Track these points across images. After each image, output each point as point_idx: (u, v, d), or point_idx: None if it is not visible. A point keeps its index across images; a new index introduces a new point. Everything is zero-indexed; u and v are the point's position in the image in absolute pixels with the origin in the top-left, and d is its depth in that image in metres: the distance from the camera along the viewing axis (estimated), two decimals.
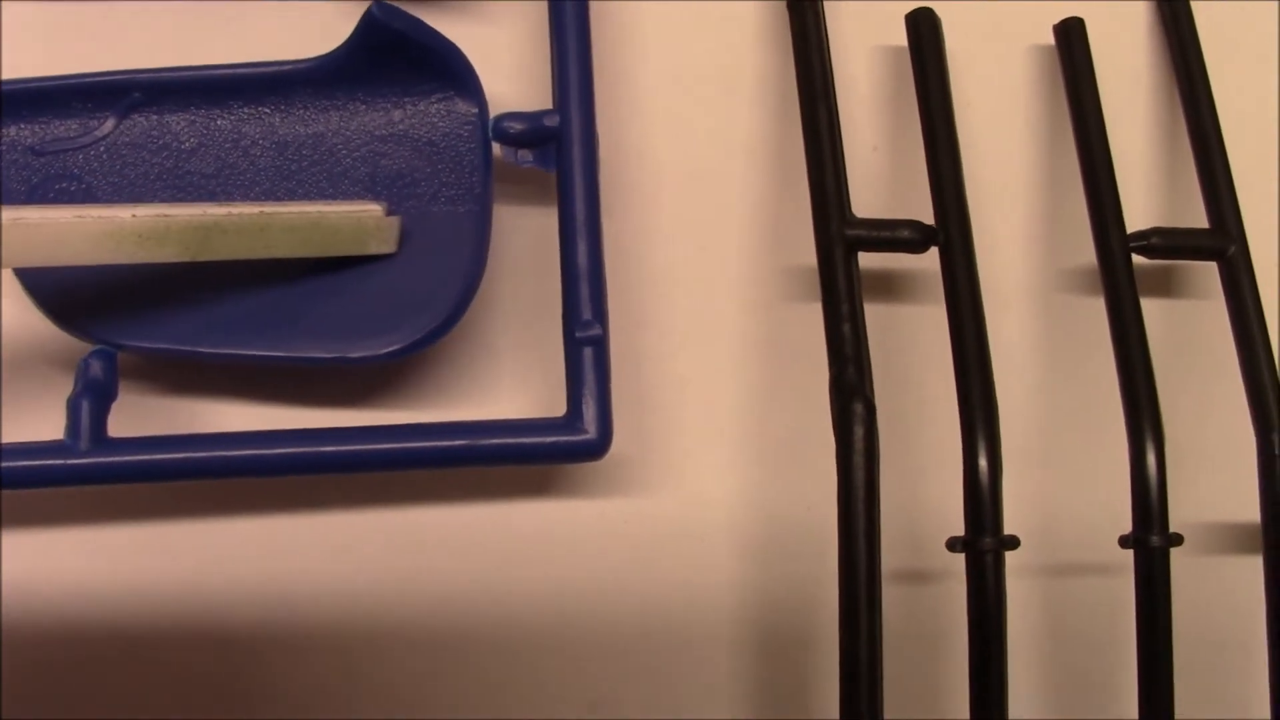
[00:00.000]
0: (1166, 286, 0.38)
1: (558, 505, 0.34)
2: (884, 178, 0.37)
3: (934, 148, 0.34)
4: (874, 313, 0.36)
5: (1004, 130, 0.38)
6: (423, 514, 0.34)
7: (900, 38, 0.36)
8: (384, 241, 0.33)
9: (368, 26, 0.33)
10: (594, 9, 0.36)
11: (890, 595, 0.34)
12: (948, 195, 0.34)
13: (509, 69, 0.36)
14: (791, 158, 0.36)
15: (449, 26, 0.36)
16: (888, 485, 0.34)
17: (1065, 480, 0.36)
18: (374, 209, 0.33)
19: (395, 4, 0.34)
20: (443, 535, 0.34)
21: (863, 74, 0.38)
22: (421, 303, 0.32)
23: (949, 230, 0.33)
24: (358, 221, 0.33)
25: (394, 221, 0.33)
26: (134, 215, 0.30)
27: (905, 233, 0.33)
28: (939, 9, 0.36)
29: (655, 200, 0.36)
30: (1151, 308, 0.37)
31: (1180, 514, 0.35)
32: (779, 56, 0.37)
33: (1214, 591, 0.36)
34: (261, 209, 0.32)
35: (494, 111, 0.34)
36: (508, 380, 0.35)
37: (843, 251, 0.33)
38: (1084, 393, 0.36)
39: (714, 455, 0.35)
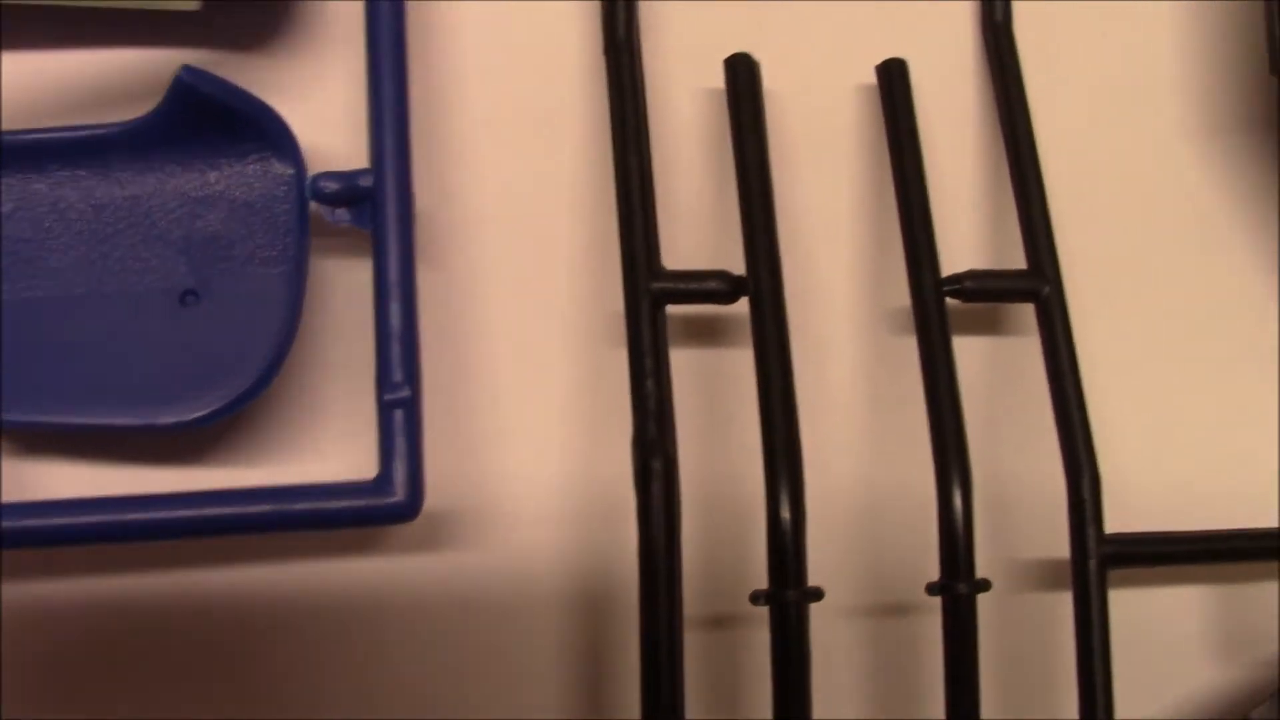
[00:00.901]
0: (993, 324, 0.38)
1: (384, 562, 0.35)
2: (711, 221, 0.38)
3: (747, 198, 0.35)
4: (698, 357, 0.37)
5: (830, 170, 0.38)
6: (246, 573, 0.35)
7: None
8: None
9: (177, 91, 0.33)
10: (415, 56, 0.37)
11: (702, 643, 0.35)
12: (759, 245, 0.34)
13: (337, 123, 0.37)
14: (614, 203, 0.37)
15: (272, 82, 0.36)
16: (707, 531, 0.35)
17: (886, 523, 0.36)
18: None
19: (220, 57, 0.35)
20: (268, 595, 0.35)
21: (693, 116, 0.38)
22: (231, 366, 0.33)
23: (759, 280, 0.34)
24: None
25: None
26: None
27: (713, 284, 0.34)
28: (764, 48, 0.37)
29: (480, 248, 0.37)
30: (978, 345, 0.38)
31: (999, 550, 0.37)
32: (603, 102, 0.37)
33: (1028, 628, 0.37)
34: None
35: (318, 168, 0.35)
36: (330, 441, 0.35)
37: (648, 305, 0.33)
38: (907, 434, 0.36)
39: (538, 506, 0.36)
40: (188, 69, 0.33)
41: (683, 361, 0.36)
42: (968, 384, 0.36)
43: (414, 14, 0.37)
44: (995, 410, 0.38)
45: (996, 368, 0.38)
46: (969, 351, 0.38)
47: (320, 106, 0.37)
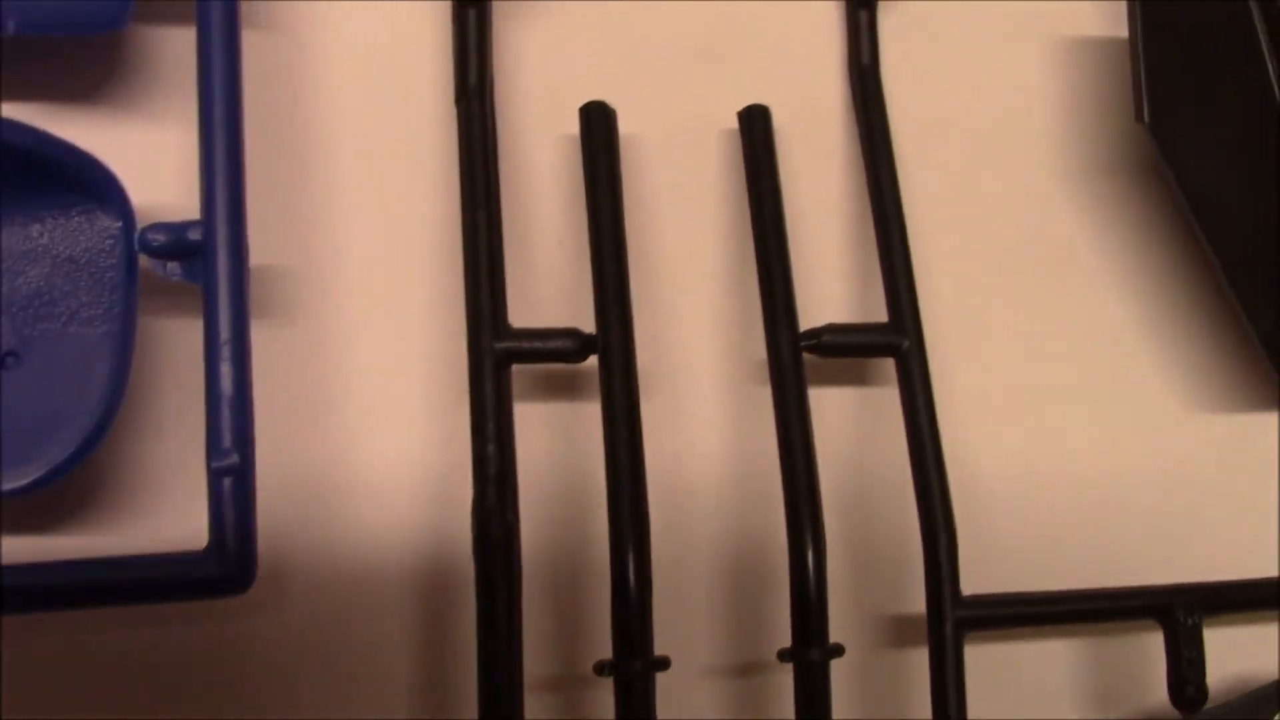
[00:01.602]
0: (860, 374, 0.38)
1: (227, 624, 0.34)
2: (568, 271, 0.37)
3: (598, 255, 0.34)
4: (554, 411, 0.36)
5: (692, 217, 0.38)
6: (88, 640, 0.34)
7: None
8: None
9: None
10: (258, 101, 0.35)
11: (547, 707, 0.34)
12: (609, 303, 0.34)
13: (176, 174, 0.36)
14: None
15: (106, 132, 0.35)
16: (557, 591, 0.35)
17: (743, 583, 0.36)
18: None
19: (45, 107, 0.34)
20: (107, 663, 0.34)
21: (551, 163, 0.37)
22: (53, 432, 0.31)
23: (609, 338, 0.33)
24: None
25: None
26: None
27: (560, 343, 0.33)
28: (626, 91, 0.37)
29: (330, 303, 0.36)
30: (845, 396, 0.38)
31: (861, 605, 0.36)
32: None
33: (888, 685, 0.36)
34: None
35: (150, 221, 0.33)
36: (163, 509, 0.34)
37: (492, 365, 0.33)
38: (768, 491, 0.36)
39: (385, 565, 0.35)
40: (3, 122, 0.32)
41: (537, 415, 0.36)
42: (833, 435, 0.37)
43: (258, 56, 0.36)
44: (862, 462, 0.37)
45: (863, 418, 0.38)
46: (835, 401, 0.38)
47: (155, 157, 0.35)
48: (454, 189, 0.36)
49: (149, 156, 0.35)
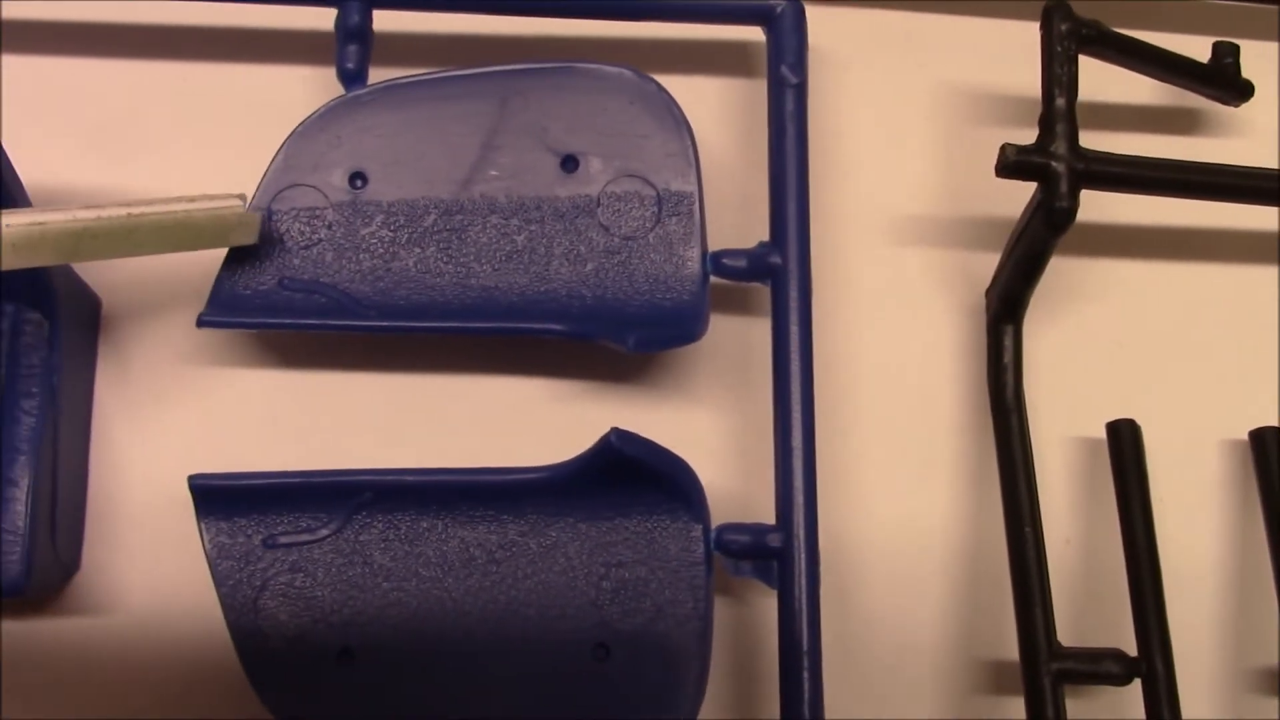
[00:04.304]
0: None
1: None
2: (1076, 573, 0.41)
3: (1136, 577, 0.38)
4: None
5: (1194, 523, 0.42)
6: None
7: (1093, 428, 0.41)
8: (246, 234, 0.38)
9: (603, 451, 0.37)
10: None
11: None
12: (1151, 630, 0.38)
13: (731, 463, 0.41)
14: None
15: (661, 411, 0.41)
16: None
17: None
18: (234, 203, 0.38)
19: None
20: None
21: (1063, 463, 0.42)
22: None
23: (1152, 663, 0.37)
24: (220, 217, 0.38)
25: (255, 216, 0.39)
26: (9, 225, 0.34)
27: (1108, 666, 0.37)
28: (1133, 396, 0.41)
29: (870, 593, 0.41)
30: None
31: None
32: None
33: None
34: (129, 211, 0.36)
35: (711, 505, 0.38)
36: None
37: (1050, 685, 0.37)
38: None
39: None
40: (618, 433, 0.36)
41: None
42: None
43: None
44: None
45: None
46: None
47: (714, 446, 0.41)
48: (977, 480, 0.41)
49: (709, 441, 0.41)
